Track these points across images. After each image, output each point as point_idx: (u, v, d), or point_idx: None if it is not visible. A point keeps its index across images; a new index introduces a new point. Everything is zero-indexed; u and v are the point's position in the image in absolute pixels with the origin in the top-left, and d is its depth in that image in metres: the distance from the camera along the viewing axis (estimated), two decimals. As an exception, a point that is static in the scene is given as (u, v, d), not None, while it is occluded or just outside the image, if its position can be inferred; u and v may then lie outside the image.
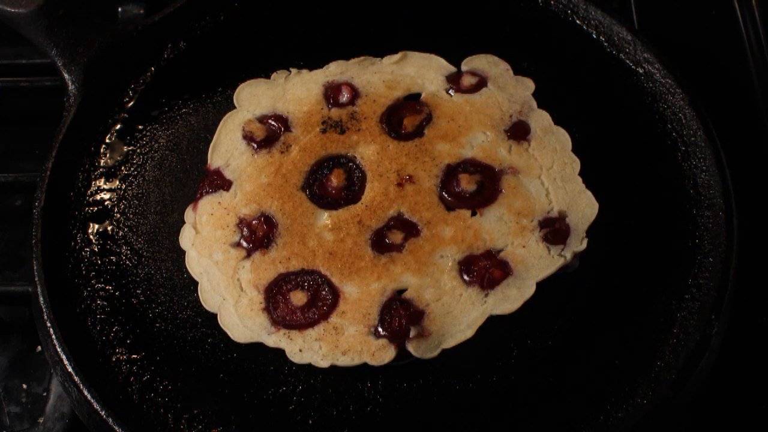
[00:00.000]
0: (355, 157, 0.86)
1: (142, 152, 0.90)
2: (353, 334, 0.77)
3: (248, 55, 0.94)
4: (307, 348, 0.77)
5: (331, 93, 0.90)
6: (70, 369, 0.76)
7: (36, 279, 0.79)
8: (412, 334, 0.77)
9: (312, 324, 0.78)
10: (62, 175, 0.85)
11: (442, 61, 0.92)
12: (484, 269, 0.80)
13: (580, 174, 0.84)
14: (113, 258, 0.84)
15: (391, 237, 0.81)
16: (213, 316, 0.80)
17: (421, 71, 0.91)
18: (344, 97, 0.89)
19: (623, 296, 0.80)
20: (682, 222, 0.84)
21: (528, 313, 0.79)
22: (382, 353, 0.77)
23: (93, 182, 0.88)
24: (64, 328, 0.78)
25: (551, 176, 0.84)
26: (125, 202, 0.87)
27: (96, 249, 0.84)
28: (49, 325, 0.77)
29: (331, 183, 0.84)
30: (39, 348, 0.89)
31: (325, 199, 0.84)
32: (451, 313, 0.78)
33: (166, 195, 0.87)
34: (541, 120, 0.88)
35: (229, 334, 0.79)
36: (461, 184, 0.83)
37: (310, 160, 0.86)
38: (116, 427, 0.73)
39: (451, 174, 0.84)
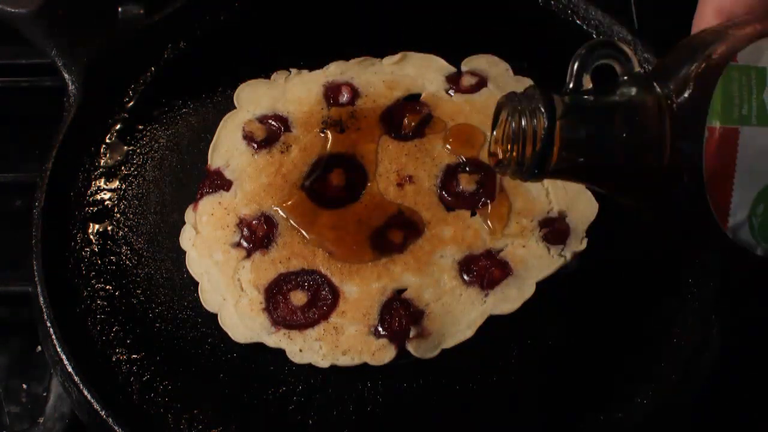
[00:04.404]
0: (355, 157, 0.86)
1: (142, 152, 0.90)
2: (353, 334, 0.77)
3: (248, 55, 0.94)
4: (307, 348, 0.77)
5: (331, 93, 0.90)
6: (70, 369, 0.76)
7: (36, 279, 0.79)
8: (412, 334, 0.77)
9: (312, 324, 0.78)
10: (62, 175, 0.85)
11: (442, 62, 0.92)
12: (484, 269, 0.80)
13: (580, 174, 0.84)
14: (113, 258, 0.84)
15: (391, 236, 0.81)
16: (213, 316, 0.80)
17: (421, 71, 0.91)
18: (344, 97, 0.89)
19: (623, 296, 0.80)
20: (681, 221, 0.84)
21: (528, 313, 0.79)
22: (382, 353, 0.77)
23: (93, 182, 0.88)
24: (64, 328, 0.78)
25: (551, 176, 0.84)
26: (125, 202, 0.87)
27: (96, 249, 0.84)
28: (49, 325, 0.77)
29: (331, 183, 0.84)
30: (39, 348, 0.89)
31: (325, 199, 0.84)
32: (451, 313, 0.78)
33: (166, 195, 0.87)
34: (541, 120, 0.88)
35: (230, 334, 0.79)
36: (461, 184, 0.83)
37: (310, 160, 0.86)
38: (116, 427, 0.73)
39: (451, 174, 0.84)
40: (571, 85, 0.66)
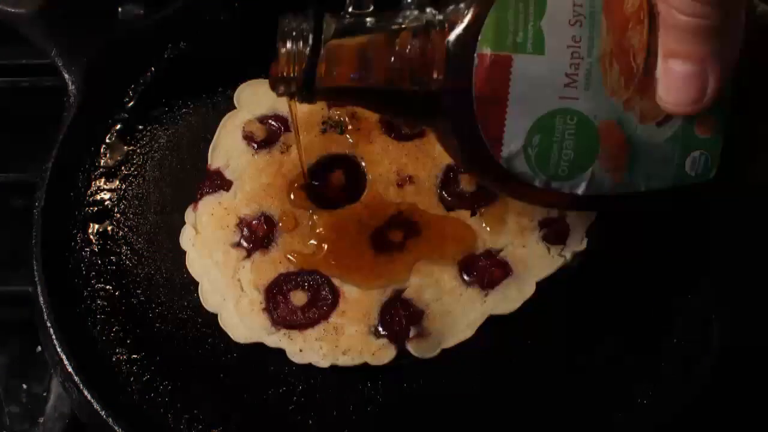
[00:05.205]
0: (355, 157, 0.86)
1: (142, 152, 0.90)
2: (353, 334, 0.77)
3: (248, 55, 0.94)
4: (308, 348, 0.77)
5: (331, 93, 0.90)
6: (70, 369, 0.76)
7: (36, 279, 0.79)
8: (412, 333, 0.77)
9: (312, 324, 0.78)
10: (62, 175, 0.85)
11: (442, 61, 0.92)
12: (484, 269, 0.80)
13: (580, 174, 0.84)
14: (113, 258, 0.84)
15: (391, 236, 0.81)
16: (213, 316, 0.80)
17: (421, 71, 0.91)
18: (344, 97, 0.89)
19: (623, 296, 0.80)
20: (681, 222, 0.84)
21: (528, 313, 0.79)
22: (382, 353, 0.77)
23: (93, 182, 0.88)
24: (64, 328, 0.78)
25: (551, 176, 0.84)
26: (125, 202, 0.87)
27: (96, 249, 0.84)
28: (49, 325, 0.77)
29: (331, 183, 0.84)
30: (39, 348, 0.89)
31: (325, 199, 0.84)
32: (451, 313, 0.78)
33: (166, 195, 0.87)
34: (541, 120, 0.88)
35: (230, 334, 0.79)
36: (461, 184, 0.83)
37: (310, 161, 0.86)
38: (116, 427, 0.73)
39: (451, 174, 0.84)
40: (350, 8, 0.67)
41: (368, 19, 0.66)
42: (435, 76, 0.64)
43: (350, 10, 0.67)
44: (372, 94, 0.68)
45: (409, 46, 0.65)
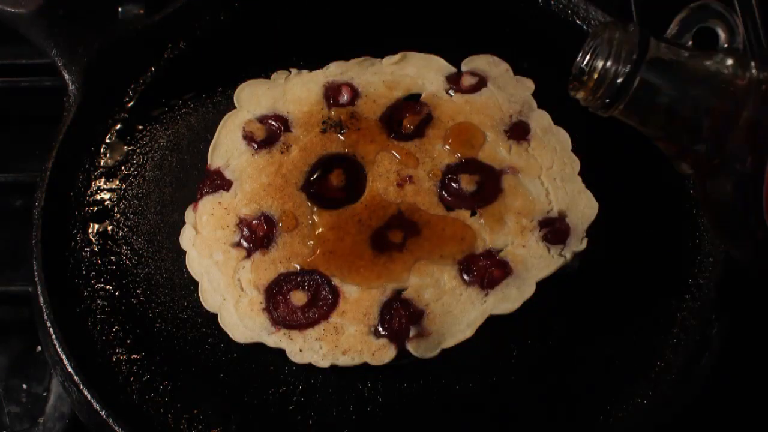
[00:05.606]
0: (355, 157, 0.86)
1: (142, 152, 0.90)
2: (353, 334, 0.77)
3: (248, 55, 0.94)
4: (308, 348, 0.77)
5: (331, 93, 0.90)
6: (70, 369, 0.76)
7: (36, 279, 0.79)
8: (412, 333, 0.77)
9: (312, 324, 0.78)
10: (62, 175, 0.85)
11: (442, 62, 0.92)
12: (484, 269, 0.80)
13: (580, 174, 0.84)
14: (113, 258, 0.84)
15: (391, 236, 0.81)
16: (213, 316, 0.80)
17: (421, 71, 0.91)
18: (344, 97, 0.89)
19: (623, 296, 0.81)
20: (682, 222, 0.84)
21: (528, 313, 0.79)
22: (382, 353, 0.77)
23: (93, 182, 0.88)
24: (64, 328, 0.78)
25: (551, 176, 0.84)
26: (125, 202, 0.87)
27: (96, 249, 0.84)
28: (49, 325, 0.77)
29: (331, 183, 0.84)
30: (39, 348, 0.89)
31: (324, 199, 0.84)
32: (450, 313, 0.78)
33: (166, 195, 0.87)
34: (541, 120, 0.88)
35: (230, 334, 0.79)
36: (461, 184, 0.83)
37: (310, 160, 0.86)
38: (116, 427, 0.73)
39: (451, 174, 0.84)
40: (674, 33, 0.67)
41: (683, 51, 0.67)
42: (736, 127, 0.64)
43: (671, 35, 0.67)
44: (665, 125, 0.68)
45: (720, 92, 0.65)
